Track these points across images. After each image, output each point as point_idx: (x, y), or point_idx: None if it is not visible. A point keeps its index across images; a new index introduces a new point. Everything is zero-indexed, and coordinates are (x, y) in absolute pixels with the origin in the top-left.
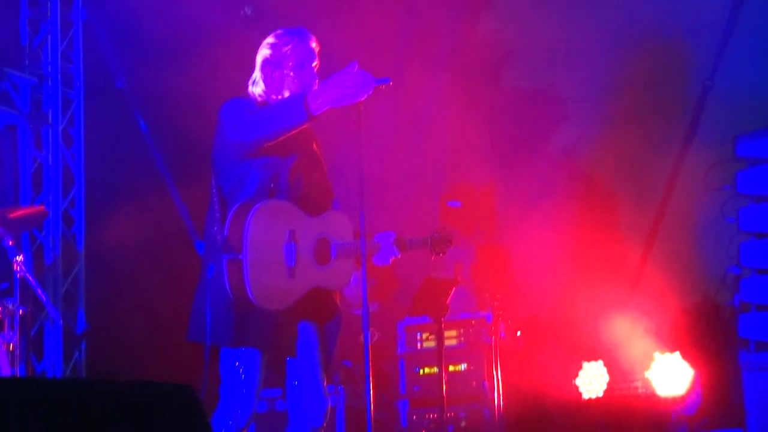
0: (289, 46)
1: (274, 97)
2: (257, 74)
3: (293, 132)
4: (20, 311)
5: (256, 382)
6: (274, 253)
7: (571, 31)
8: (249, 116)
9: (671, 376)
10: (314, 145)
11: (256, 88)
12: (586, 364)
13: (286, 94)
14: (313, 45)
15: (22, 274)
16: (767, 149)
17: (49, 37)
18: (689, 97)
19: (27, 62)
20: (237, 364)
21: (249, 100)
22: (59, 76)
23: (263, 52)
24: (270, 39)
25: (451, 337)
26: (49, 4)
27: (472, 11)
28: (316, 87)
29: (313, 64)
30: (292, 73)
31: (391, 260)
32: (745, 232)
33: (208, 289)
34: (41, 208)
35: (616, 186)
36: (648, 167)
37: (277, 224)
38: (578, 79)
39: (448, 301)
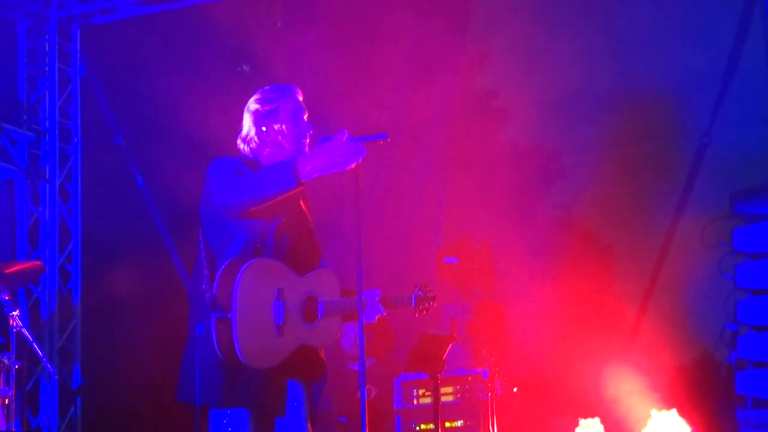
0: (281, 101)
1: (267, 150)
2: (250, 129)
3: (281, 198)
4: (16, 366)
5: None
6: (262, 312)
7: (568, 87)
8: (236, 180)
9: None
10: (301, 202)
11: (249, 143)
12: (582, 421)
13: (283, 148)
14: (301, 98)
15: (18, 328)
16: (763, 206)
17: (47, 93)
18: (685, 154)
19: (25, 118)
20: (226, 424)
21: (237, 158)
22: (57, 131)
23: (254, 107)
24: (258, 95)
25: (447, 394)
26: (47, 60)
27: (469, 70)
28: (307, 146)
29: (304, 116)
30: (286, 127)
31: (376, 318)
32: (742, 289)
33: (197, 348)
34: (38, 263)
35: (612, 242)
36: (644, 223)
37: (266, 282)
38: (574, 136)
39: (444, 357)
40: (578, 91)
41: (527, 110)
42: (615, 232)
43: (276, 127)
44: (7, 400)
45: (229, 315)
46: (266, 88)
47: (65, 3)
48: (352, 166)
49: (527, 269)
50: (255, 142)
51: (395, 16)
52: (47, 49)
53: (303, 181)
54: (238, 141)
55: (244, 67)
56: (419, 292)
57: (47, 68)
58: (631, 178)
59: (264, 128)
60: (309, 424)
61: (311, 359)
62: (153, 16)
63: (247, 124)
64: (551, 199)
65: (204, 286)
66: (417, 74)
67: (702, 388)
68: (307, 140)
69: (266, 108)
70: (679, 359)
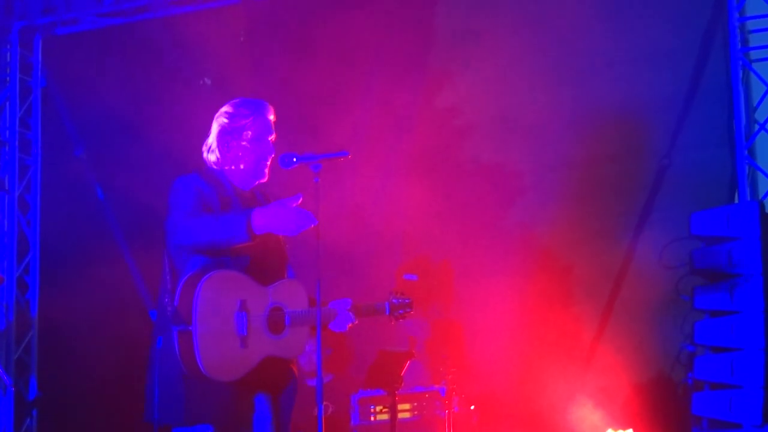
0: (249, 119)
1: (227, 165)
2: (213, 142)
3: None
4: None
5: None
6: (224, 323)
7: (530, 107)
8: (189, 222)
9: None
10: None
11: (211, 155)
12: None
13: (242, 166)
14: (271, 117)
15: None
16: (722, 228)
17: (8, 103)
18: (645, 174)
19: None
20: None
21: (198, 175)
22: (17, 142)
23: (221, 120)
24: (228, 108)
25: (404, 411)
26: (8, 70)
27: (429, 88)
28: (268, 168)
29: (270, 137)
30: (249, 145)
31: (347, 327)
32: (700, 310)
33: (157, 362)
34: None
35: (571, 262)
36: (604, 243)
37: (227, 294)
38: (536, 155)
39: (402, 374)
40: (540, 111)
41: (489, 128)
42: (574, 252)
43: (239, 144)
44: None
45: (190, 327)
46: (237, 101)
47: (27, 13)
48: (301, 232)
49: (486, 287)
50: (217, 155)
51: (359, 31)
52: (8, 59)
53: (256, 235)
54: (203, 148)
55: (205, 80)
56: (393, 300)
57: (8, 78)
58: (592, 199)
59: (227, 144)
60: None
61: (279, 371)
62: (115, 28)
63: (213, 136)
64: (512, 218)
65: (166, 300)
66: (380, 89)
67: (658, 408)
68: (268, 162)
69: (233, 124)
70: (636, 379)
